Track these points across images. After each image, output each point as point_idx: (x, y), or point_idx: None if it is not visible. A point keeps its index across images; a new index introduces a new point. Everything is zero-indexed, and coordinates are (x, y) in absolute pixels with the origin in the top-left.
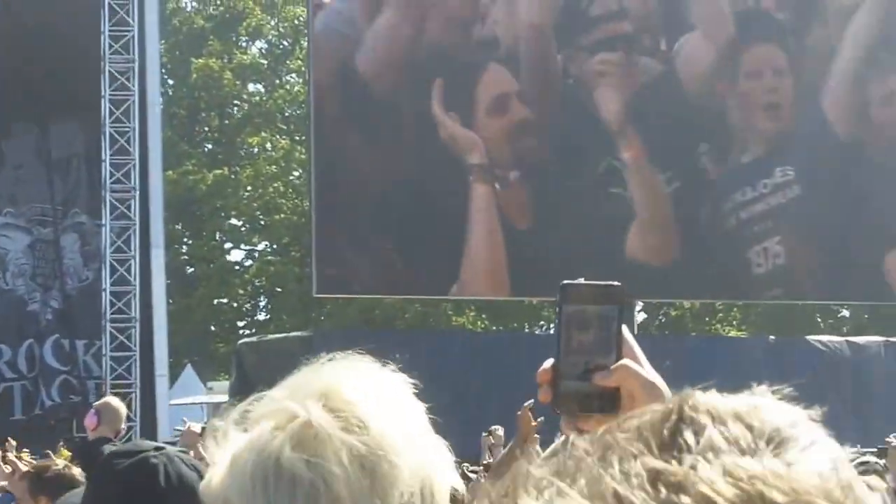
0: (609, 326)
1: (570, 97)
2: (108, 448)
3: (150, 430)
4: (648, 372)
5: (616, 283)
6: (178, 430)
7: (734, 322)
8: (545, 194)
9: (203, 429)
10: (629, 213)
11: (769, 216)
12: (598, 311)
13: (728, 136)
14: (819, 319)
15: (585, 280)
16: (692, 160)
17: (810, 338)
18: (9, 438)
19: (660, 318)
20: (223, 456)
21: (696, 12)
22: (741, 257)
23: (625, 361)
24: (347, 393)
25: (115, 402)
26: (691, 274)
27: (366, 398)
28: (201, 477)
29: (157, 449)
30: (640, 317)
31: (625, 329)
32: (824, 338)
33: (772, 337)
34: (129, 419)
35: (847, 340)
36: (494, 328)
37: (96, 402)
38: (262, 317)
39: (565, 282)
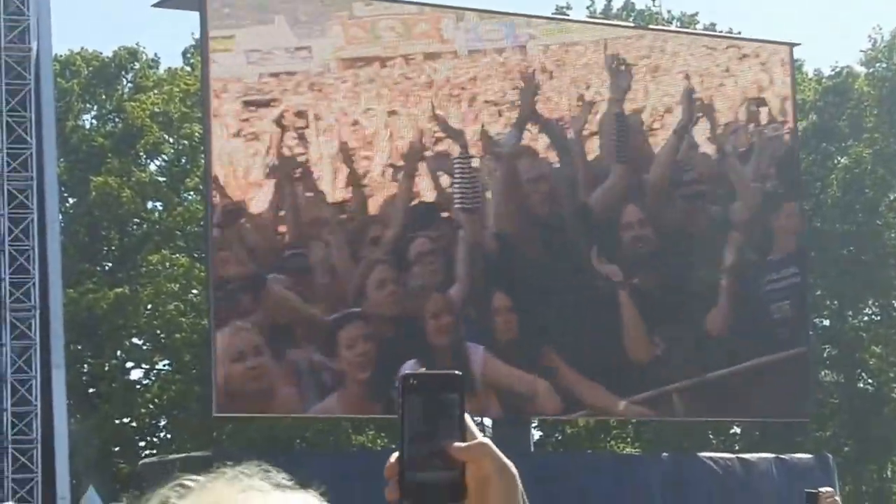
0: (452, 414)
1: None
2: None
3: None
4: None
5: (456, 371)
6: None
7: (628, 439)
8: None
9: None
10: None
11: None
12: (441, 399)
13: None
14: (711, 436)
15: (426, 369)
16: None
17: (703, 455)
18: None
19: (556, 435)
20: None
21: None
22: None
23: (484, 440)
24: None
25: None
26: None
27: None
28: None
29: None
30: (535, 433)
31: (468, 419)
32: (716, 455)
33: (665, 454)
34: None
35: (739, 457)
36: (393, 446)
37: None
38: (163, 436)
39: (405, 372)
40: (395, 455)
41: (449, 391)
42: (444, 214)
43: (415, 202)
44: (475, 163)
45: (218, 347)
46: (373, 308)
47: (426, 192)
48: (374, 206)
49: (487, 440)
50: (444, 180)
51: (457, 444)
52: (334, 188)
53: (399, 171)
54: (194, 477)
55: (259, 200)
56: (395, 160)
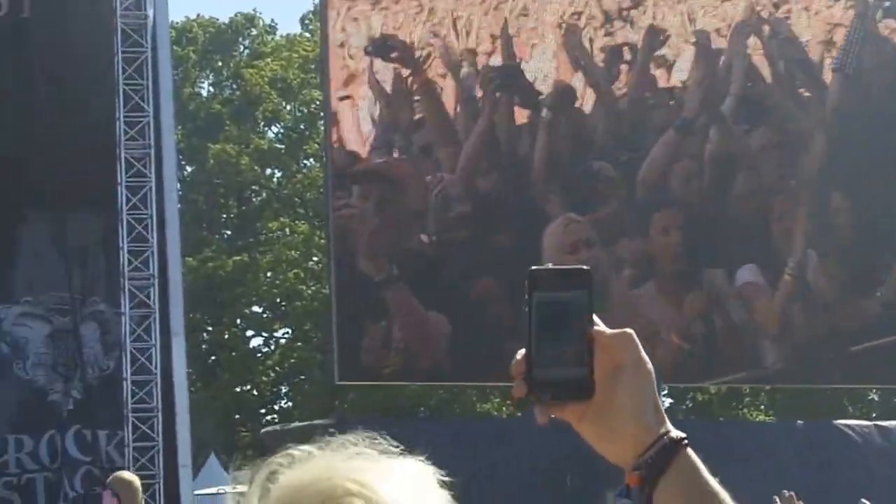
0: (579, 311)
1: None
2: None
3: None
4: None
5: (584, 266)
6: None
7: (761, 406)
8: None
9: None
10: None
11: None
12: (568, 296)
13: None
14: (846, 403)
15: (553, 266)
16: None
17: (839, 422)
18: None
19: (686, 402)
20: None
21: None
22: None
23: (628, 329)
24: (384, 489)
25: (126, 476)
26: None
27: (402, 494)
28: None
29: None
30: (666, 401)
31: (595, 317)
32: (853, 422)
33: (799, 422)
34: None
35: (876, 425)
36: (519, 414)
37: (109, 481)
38: (284, 404)
39: (533, 268)
40: (522, 352)
41: (577, 287)
42: None
43: None
44: None
45: (340, 314)
46: None
47: None
48: None
49: (631, 330)
50: None
51: (599, 328)
52: None
53: None
54: (302, 447)
55: None
56: None
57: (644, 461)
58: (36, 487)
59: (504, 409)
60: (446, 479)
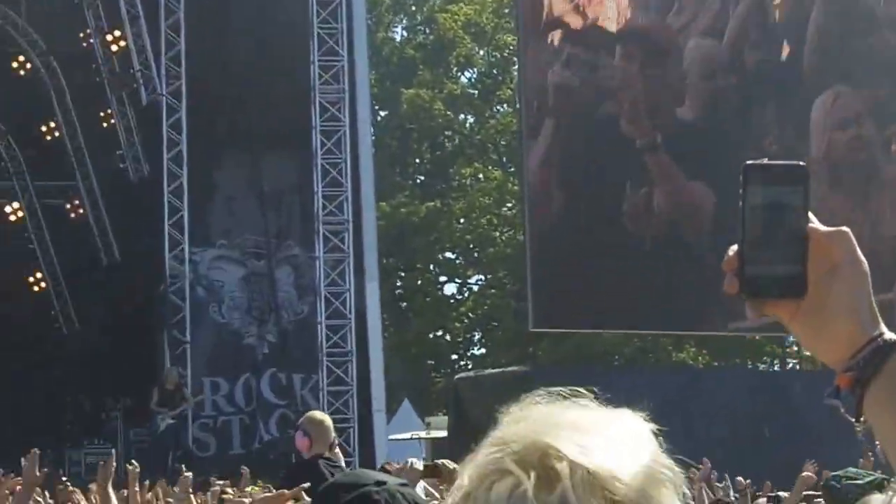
0: (795, 208)
1: None
2: (325, 465)
3: (368, 465)
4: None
5: (800, 162)
6: (387, 464)
7: None
8: None
9: (427, 466)
10: None
11: None
12: (784, 192)
13: None
14: None
15: (768, 160)
16: None
17: None
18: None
19: None
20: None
21: None
22: None
23: (845, 229)
24: (599, 444)
25: (318, 415)
26: None
27: (621, 450)
28: None
29: (379, 483)
30: None
31: (811, 215)
32: None
33: None
34: (347, 455)
35: None
36: (715, 363)
37: (301, 421)
38: (477, 351)
39: (748, 163)
40: (734, 248)
41: (793, 183)
42: None
43: None
44: None
45: (534, 261)
46: None
47: None
48: None
49: (846, 229)
50: None
51: (815, 225)
52: None
53: None
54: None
55: None
56: None
57: (856, 362)
58: (232, 429)
59: (700, 358)
60: (656, 430)
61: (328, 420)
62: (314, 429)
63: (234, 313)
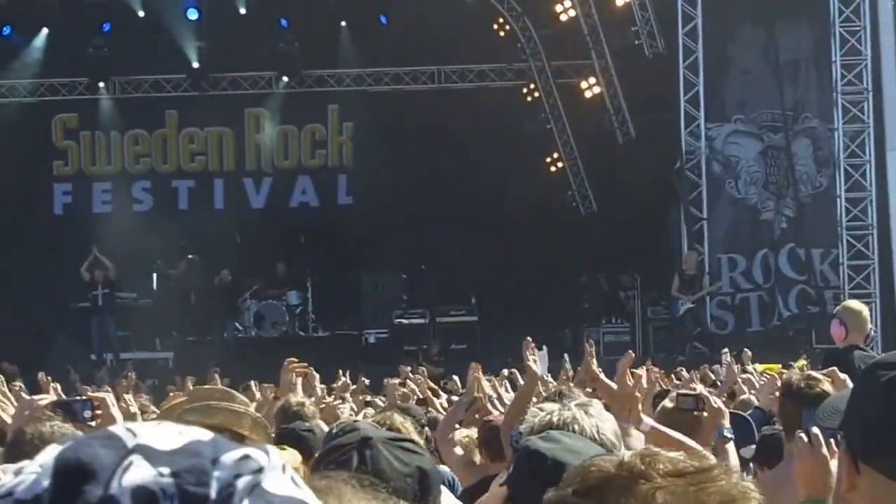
0: None
1: None
2: (860, 356)
3: (891, 341)
4: None
5: None
6: None
7: None
8: None
9: None
10: None
11: None
12: None
13: None
14: None
15: None
16: None
17: None
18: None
19: None
20: None
21: None
22: None
23: None
24: None
25: (855, 305)
26: None
27: None
28: None
29: None
30: None
31: None
32: None
33: None
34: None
35: None
36: None
37: (836, 310)
38: None
39: None
40: None
41: None
42: None
43: None
44: None
45: None
46: None
47: None
48: None
49: None
50: None
51: None
52: None
53: None
54: None
55: None
56: None
57: None
58: (750, 306)
59: None
60: None
61: (865, 310)
62: (851, 318)
63: (751, 188)
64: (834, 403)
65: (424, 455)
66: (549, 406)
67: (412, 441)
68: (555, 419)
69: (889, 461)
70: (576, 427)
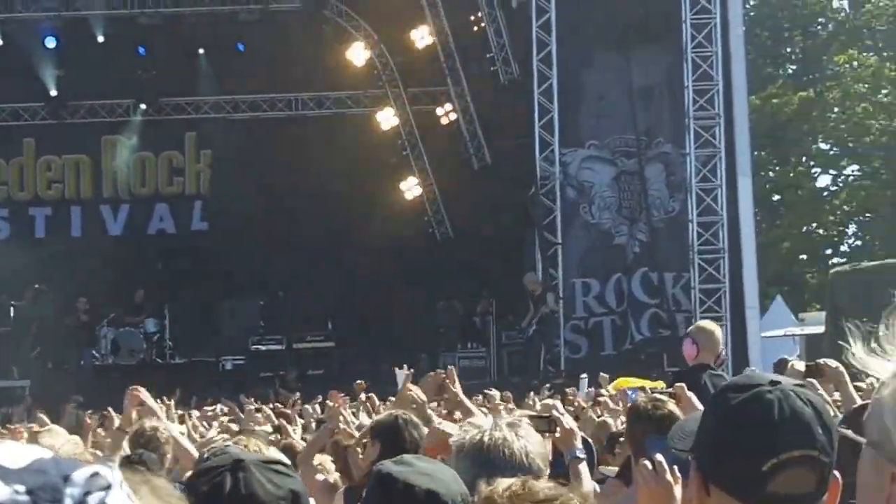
0: None
1: None
2: (709, 376)
3: (741, 363)
4: None
5: None
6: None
7: None
8: None
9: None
10: None
11: None
12: None
13: None
14: None
15: None
16: None
17: None
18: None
19: None
20: None
21: None
22: None
23: None
24: None
25: (708, 325)
26: None
27: None
28: (818, 413)
29: (773, 383)
30: None
31: None
32: None
33: None
34: None
35: None
36: None
37: (689, 329)
38: (852, 243)
39: None
40: None
41: None
42: None
43: None
44: None
45: None
46: None
47: None
48: None
49: None
50: None
51: None
52: None
53: None
54: None
55: None
56: None
57: None
58: (603, 330)
59: None
60: None
61: (718, 331)
62: (703, 337)
63: (605, 213)
64: (685, 426)
65: (296, 478)
66: (480, 423)
67: (283, 464)
68: (486, 439)
69: (737, 482)
70: (506, 449)
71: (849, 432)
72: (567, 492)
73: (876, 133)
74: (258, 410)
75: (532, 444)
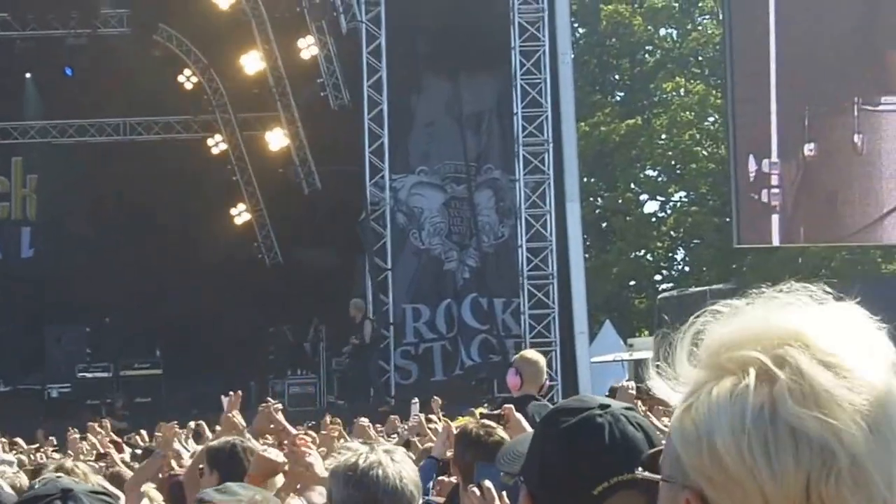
0: None
1: None
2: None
3: (571, 388)
4: None
5: None
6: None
7: None
8: None
9: (638, 388)
10: None
11: None
12: None
13: None
14: None
15: None
16: None
17: None
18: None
19: None
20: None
21: None
22: None
23: None
24: (824, 340)
25: (532, 355)
26: None
27: (846, 346)
28: (647, 437)
29: (603, 407)
30: None
31: None
32: None
33: None
34: (549, 378)
35: None
36: None
37: (514, 359)
38: (680, 269)
39: None
40: None
41: None
42: None
43: None
44: None
45: (739, 175)
46: None
47: None
48: None
49: None
50: None
51: None
52: None
53: None
54: (729, 301)
55: None
56: None
57: None
58: (433, 356)
59: None
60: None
61: (542, 360)
62: (526, 368)
63: (435, 239)
64: (515, 447)
65: None
66: (356, 447)
67: (110, 495)
68: (361, 462)
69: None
70: (380, 472)
71: (646, 474)
72: None
73: (703, 160)
74: (83, 439)
75: (406, 471)
